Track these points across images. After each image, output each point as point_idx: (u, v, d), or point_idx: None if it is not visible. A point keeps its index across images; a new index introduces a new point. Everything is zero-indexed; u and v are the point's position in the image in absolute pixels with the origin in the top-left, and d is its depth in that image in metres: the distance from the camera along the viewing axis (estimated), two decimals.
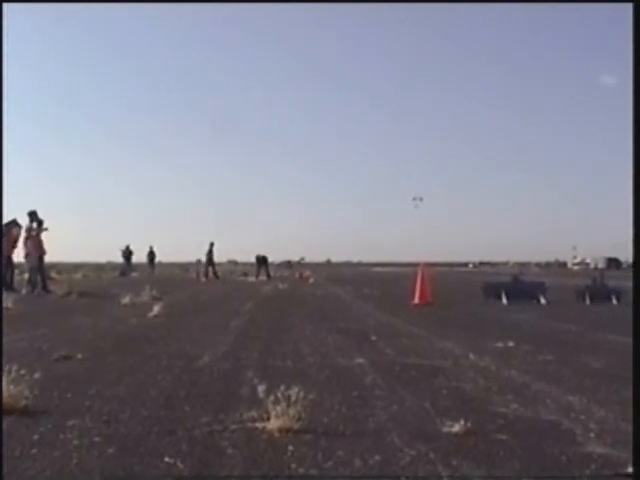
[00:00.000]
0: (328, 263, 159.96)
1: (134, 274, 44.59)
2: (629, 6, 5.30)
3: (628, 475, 3.26)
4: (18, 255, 21.31)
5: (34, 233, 20.82)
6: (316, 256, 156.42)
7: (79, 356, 7.48)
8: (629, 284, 26.04)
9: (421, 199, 69.42)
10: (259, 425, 4.36)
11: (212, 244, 39.82)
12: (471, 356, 7.76)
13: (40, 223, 21.03)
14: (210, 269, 39.61)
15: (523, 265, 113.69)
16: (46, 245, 21.41)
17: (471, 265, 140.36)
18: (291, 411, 4.33)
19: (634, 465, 3.35)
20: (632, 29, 5.04)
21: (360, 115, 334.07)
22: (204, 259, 40.50)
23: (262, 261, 41.75)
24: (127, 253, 45.79)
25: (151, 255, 49.37)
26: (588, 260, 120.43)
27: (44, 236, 21.29)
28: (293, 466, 3.62)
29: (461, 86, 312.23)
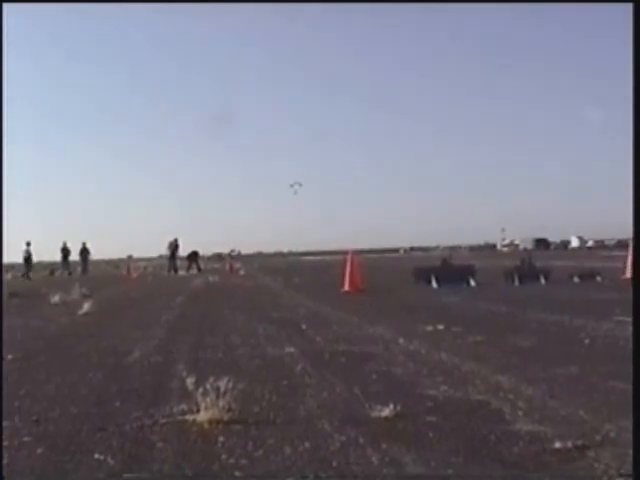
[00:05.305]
0: (259, 255, 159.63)
1: (70, 271, 43.92)
2: (629, 6, 5.47)
3: (628, 475, 3.31)
4: None
5: None
6: (247, 248, 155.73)
7: (9, 357, 7.33)
8: (557, 263, 26.79)
9: (300, 184, 69.60)
10: (189, 418, 4.35)
11: (176, 240, 41.17)
12: (401, 340, 7.85)
13: None
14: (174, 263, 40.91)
15: (453, 249, 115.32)
16: None
17: (402, 251, 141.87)
18: (221, 402, 4.34)
19: (634, 465, 3.40)
20: (632, 29, 5.18)
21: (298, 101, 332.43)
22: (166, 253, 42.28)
23: (193, 255, 42.22)
24: (65, 251, 44.92)
25: (84, 252, 48.25)
26: (517, 241, 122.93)
27: None
28: (223, 457, 3.62)
29: (384, 58, 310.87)
